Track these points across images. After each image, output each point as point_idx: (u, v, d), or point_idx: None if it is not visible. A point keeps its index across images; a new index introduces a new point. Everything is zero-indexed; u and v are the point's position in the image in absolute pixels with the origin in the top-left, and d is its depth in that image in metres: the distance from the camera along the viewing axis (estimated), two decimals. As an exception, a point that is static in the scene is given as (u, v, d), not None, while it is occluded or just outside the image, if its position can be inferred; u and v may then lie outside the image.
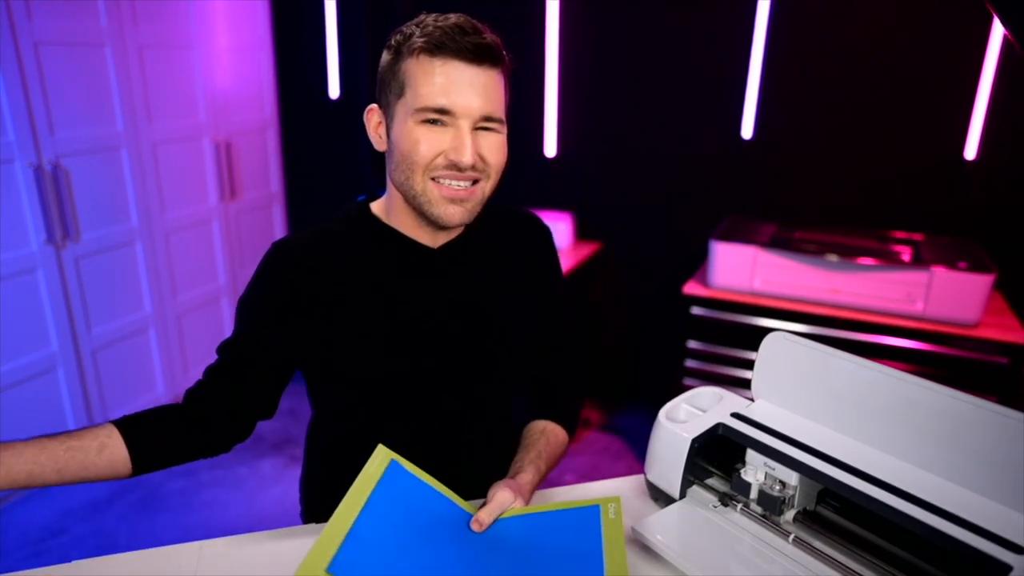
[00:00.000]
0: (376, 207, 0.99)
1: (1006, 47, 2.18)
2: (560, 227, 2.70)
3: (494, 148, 0.88)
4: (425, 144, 0.86)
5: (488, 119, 0.86)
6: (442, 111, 0.84)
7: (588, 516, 0.84)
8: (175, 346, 2.92)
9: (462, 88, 0.84)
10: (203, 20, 2.83)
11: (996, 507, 0.70)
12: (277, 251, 0.94)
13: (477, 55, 0.83)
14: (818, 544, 0.79)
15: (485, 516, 0.83)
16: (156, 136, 2.69)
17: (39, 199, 2.28)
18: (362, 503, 0.80)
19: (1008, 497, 0.70)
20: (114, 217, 2.58)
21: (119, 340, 2.67)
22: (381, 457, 0.85)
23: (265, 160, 3.31)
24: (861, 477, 0.75)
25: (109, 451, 0.83)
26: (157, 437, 0.88)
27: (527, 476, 0.93)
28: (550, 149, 2.90)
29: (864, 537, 0.78)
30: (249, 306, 0.94)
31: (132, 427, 0.86)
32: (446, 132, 0.86)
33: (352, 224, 0.98)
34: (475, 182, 0.88)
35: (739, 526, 0.84)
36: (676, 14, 2.58)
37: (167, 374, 2.90)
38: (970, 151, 2.30)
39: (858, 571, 0.75)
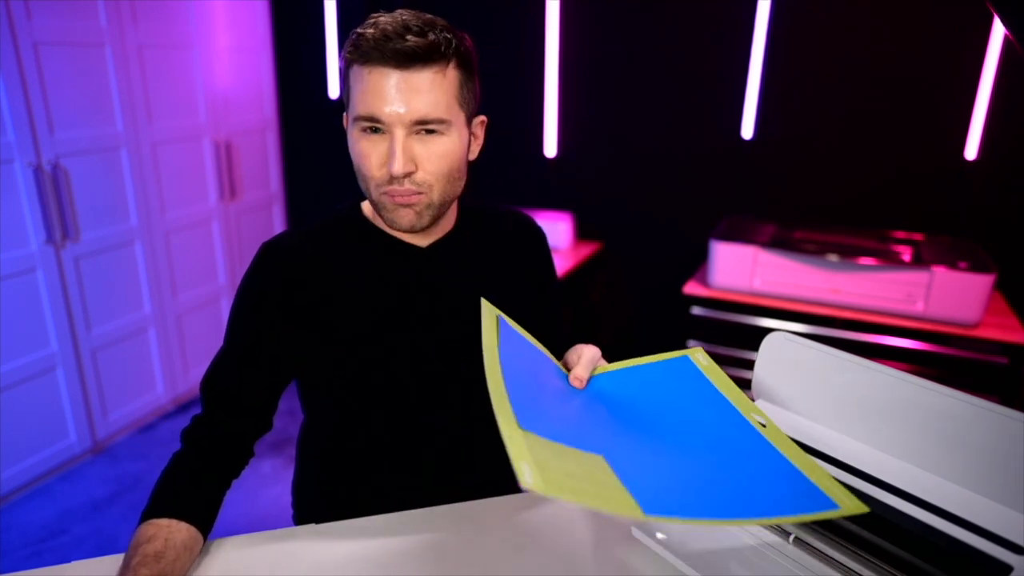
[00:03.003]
0: (366, 207, 0.99)
1: (1006, 47, 2.18)
2: (560, 227, 2.70)
3: (433, 155, 0.86)
4: (367, 157, 0.86)
5: (423, 122, 0.84)
6: (372, 119, 0.84)
7: (682, 366, 0.84)
8: (175, 346, 2.92)
9: (389, 95, 0.82)
10: (203, 20, 2.83)
11: (996, 507, 0.70)
12: (267, 252, 0.94)
13: (401, 61, 0.82)
14: (818, 544, 0.79)
15: (583, 372, 0.82)
16: (156, 136, 2.69)
17: (39, 199, 2.28)
18: (497, 359, 0.76)
19: (1008, 497, 0.70)
20: (114, 217, 2.58)
21: (119, 340, 2.67)
22: (487, 311, 0.81)
23: (265, 160, 3.31)
24: (861, 477, 0.75)
25: (189, 546, 0.81)
26: (200, 501, 0.86)
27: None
28: (550, 149, 2.90)
29: (864, 537, 0.78)
30: (244, 313, 0.93)
31: (181, 509, 0.83)
32: (383, 140, 0.85)
33: (342, 224, 0.98)
34: (417, 193, 0.87)
35: (739, 526, 0.84)
36: (676, 14, 2.58)
37: (167, 374, 2.90)
38: (970, 151, 2.30)
39: (858, 571, 0.75)
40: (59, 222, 2.35)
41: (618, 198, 2.86)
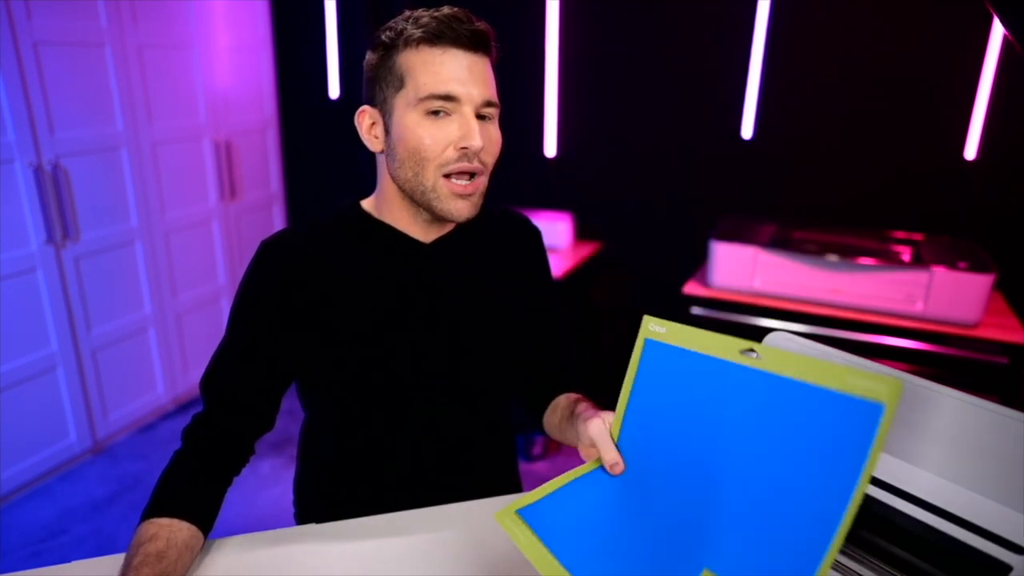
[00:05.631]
0: (367, 204, 0.99)
1: (1006, 47, 2.18)
2: (560, 227, 2.70)
3: (492, 140, 0.90)
4: (431, 138, 0.86)
5: (488, 104, 0.88)
6: (448, 98, 0.85)
7: (654, 355, 0.71)
8: (175, 346, 2.92)
9: (464, 75, 0.86)
10: (203, 20, 2.83)
11: (996, 507, 0.70)
12: (266, 251, 0.93)
13: (475, 42, 0.86)
14: (818, 544, 0.79)
15: (613, 455, 0.72)
16: (156, 136, 2.69)
17: (39, 199, 2.28)
18: (544, 556, 0.68)
19: (1008, 497, 0.70)
20: (114, 217, 2.58)
21: (119, 340, 2.67)
22: (509, 525, 0.72)
23: (265, 160, 3.31)
24: (861, 477, 0.75)
25: (190, 545, 0.81)
26: (201, 499, 0.86)
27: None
28: (550, 149, 2.90)
29: (864, 537, 0.78)
30: (244, 312, 0.93)
31: (182, 508, 0.83)
32: (450, 122, 0.86)
33: (342, 222, 0.97)
34: (476, 176, 0.89)
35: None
36: (676, 14, 2.58)
37: (167, 374, 2.90)
38: (970, 151, 2.30)
39: (858, 571, 0.75)
40: (59, 222, 2.35)
41: (618, 198, 2.86)
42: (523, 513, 0.72)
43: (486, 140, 0.88)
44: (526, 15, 2.77)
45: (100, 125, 2.48)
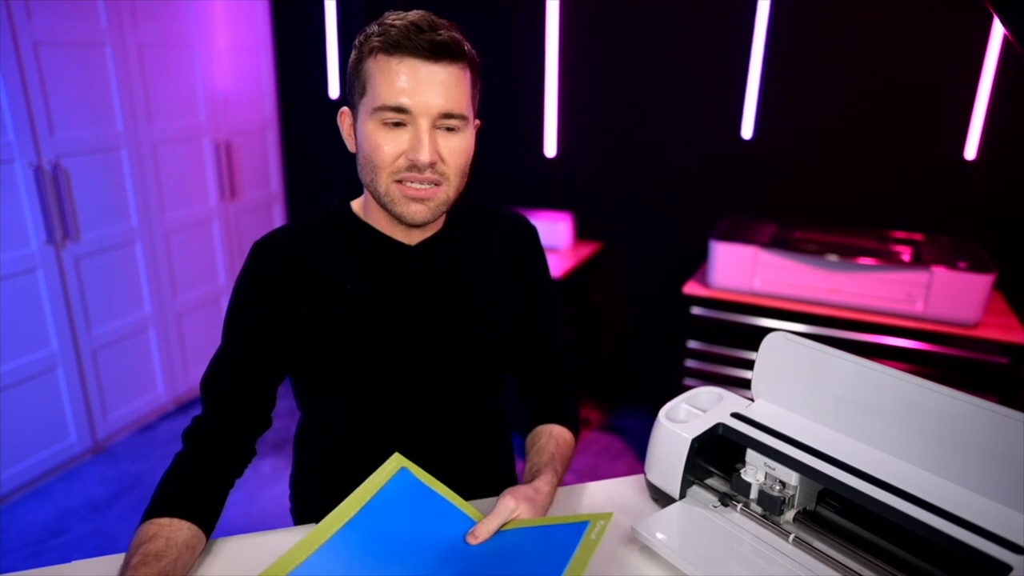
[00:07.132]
0: (356, 205, 0.99)
1: (1006, 47, 2.18)
2: (560, 227, 2.70)
3: (455, 151, 0.88)
4: (386, 147, 0.86)
5: (448, 116, 0.86)
6: (399, 109, 0.84)
7: (573, 532, 0.79)
8: (175, 346, 2.92)
9: (419, 86, 0.83)
10: (203, 20, 2.83)
11: (996, 507, 0.70)
12: (259, 251, 0.94)
13: (433, 52, 0.83)
14: (818, 544, 0.79)
15: (482, 530, 0.81)
16: (156, 136, 2.69)
17: (39, 199, 2.28)
18: (356, 509, 0.80)
19: (1008, 497, 0.70)
20: (114, 217, 2.58)
21: (119, 340, 2.67)
22: (392, 465, 0.85)
23: (265, 160, 3.31)
24: (861, 477, 0.75)
25: (191, 544, 0.81)
26: (201, 499, 0.86)
27: (544, 480, 0.92)
28: (550, 149, 2.90)
29: (864, 537, 0.78)
30: (239, 312, 0.93)
31: (183, 508, 0.83)
32: (405, 132, 0.86)
33: (332, 222, 0.98)
34: (436, 184, 0.88)
35: (739, 526, 0.84)
36: (676, 14, 2.58)
37: (167, 374, 2.90)
38: (970, 151, 2.30)
39: (858, 571, 0.75)
40: (59, 222, 2.35)
41: (618, 198, 2.86)
42: None
43: (446, 151, 0.87)
44: (526, 15, 2.77)
45: (100, 125, 2.48)
